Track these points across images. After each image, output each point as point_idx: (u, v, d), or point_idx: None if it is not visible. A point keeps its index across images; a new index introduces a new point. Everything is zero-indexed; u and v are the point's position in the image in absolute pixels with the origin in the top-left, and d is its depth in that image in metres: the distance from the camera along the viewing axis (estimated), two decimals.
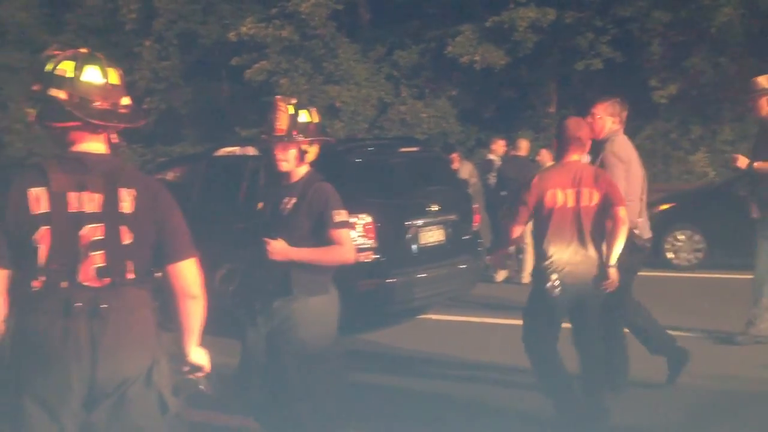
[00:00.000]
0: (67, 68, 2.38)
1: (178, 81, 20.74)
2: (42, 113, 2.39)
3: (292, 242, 3.57)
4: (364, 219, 6.59)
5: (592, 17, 15.98)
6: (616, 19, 15.90)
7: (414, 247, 7.01)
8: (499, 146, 10.59)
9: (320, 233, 3.61)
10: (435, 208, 7.19)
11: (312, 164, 3.83)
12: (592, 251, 4.32)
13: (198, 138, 20.13)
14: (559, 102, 17.29)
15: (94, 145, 2.43)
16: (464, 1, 17.59)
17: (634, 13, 15.66)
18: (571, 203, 4.30)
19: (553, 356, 4.37)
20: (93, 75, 2.40)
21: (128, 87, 2.58)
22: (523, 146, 10.17)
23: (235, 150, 7.72)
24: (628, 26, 15.88)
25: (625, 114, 4.99)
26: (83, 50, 2.47)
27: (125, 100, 2.50)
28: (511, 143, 10.56)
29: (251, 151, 7.36)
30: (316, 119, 3.79)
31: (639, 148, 5.46)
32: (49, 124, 2.40)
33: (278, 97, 3.81)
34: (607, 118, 4.89)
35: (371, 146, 8.24)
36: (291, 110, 3.66)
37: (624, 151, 4.82)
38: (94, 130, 2.42)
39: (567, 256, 4.29)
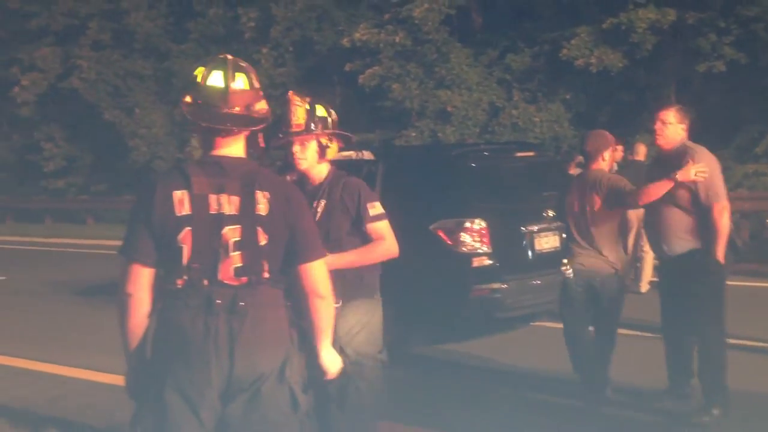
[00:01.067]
0: (198, 73, 2.50)
1: (293, 87, 21.27)
2: (191, 115, 2.51)
3: (330, 248, 3.24)
4: (479, 224, 6.55)
5: (715, 17, 15.32)
6: (740, 20, 15.18)
7: (529, 253, 6.92)
8: (617, 151, 10.31)
9: (358, 231, 3.53)
10: (550, 213, 7.08)
11: (333, 163, 3.72)
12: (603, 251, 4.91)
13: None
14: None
15: (233, 149, 2.52)
16: (579, 3, 17.26)
17: (759, 13, 14.94)
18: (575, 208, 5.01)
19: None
20: (216, 79, 2.49)
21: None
22: (641, 151, 9.86)
23: (352, 154, 7.82)
24: (752, 26, 15.16)
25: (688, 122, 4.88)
26: (230, 57, 2.57)
27: (260, 105, 2.56)
28: (629, 148, 10.27)
29: (368, 155, 7.44)
30: (334, 116, 3.70)
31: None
32: (193, 126, 2.52)
33: (291, 92, 3.72)
34: (678, 125, 4.80)
35: (486, 150, 8.20)
36: (307, 105, 3.58)
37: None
38: (229, 134, 2.50)
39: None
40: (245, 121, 2.52)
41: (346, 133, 3.86)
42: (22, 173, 25.95)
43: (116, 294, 2.49)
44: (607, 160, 5.09)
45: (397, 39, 18.18)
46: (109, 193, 24.17)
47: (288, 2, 20.24)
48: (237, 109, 2.48)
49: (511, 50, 18.30)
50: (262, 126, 2.57)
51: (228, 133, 2.50)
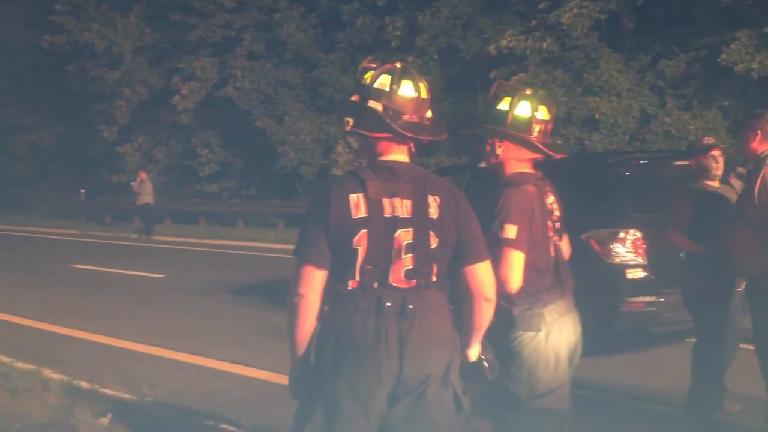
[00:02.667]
0: (385, 82, 2.52)
1: (437, 94, 21.37)
2: (357, 122, 2.55)
3: None
4: (634, 234, 6.33)
5: None
6: None
7: None
8: None
9: None
10: None
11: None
12: None
13: (454, 149, 20.58)
14: None
15: (399, 155, 2.57)
16: (739, 6, 16.36)
17: None
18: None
19: None
20: (408, 90, 2.53)
21: None
22: None
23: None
24: None
25: None
26: (398, 65, 2.59)
27: (429, 113, 2.60)
28: None
29: None
30: None
31: None
32: (362, 133, 2.56)
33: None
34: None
35: (642, 159, 7.91)
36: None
37: None
38: (402, 141, 2.55)
39: None
40: (435, 130, 2.59)
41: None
42: (179, 177, 27.47)
43: (288, 295, 2.54)
44: None
45: (545, 45, 17.92)
46: (258, 197, 25.16)
47: (434, 10, 20.37)
48: (421, 117, 2.54)
49: (664, 55, 17.60)
50: (444, 135, 2.63)
51: (403, 141, 2.54)
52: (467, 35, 20.45)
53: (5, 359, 6.66)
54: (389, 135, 2.52)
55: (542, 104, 3.21)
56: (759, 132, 4.44)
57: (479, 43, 19.97)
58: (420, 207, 2.49)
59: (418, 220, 2.49)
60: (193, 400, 5.50)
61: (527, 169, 3.22)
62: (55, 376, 6.07)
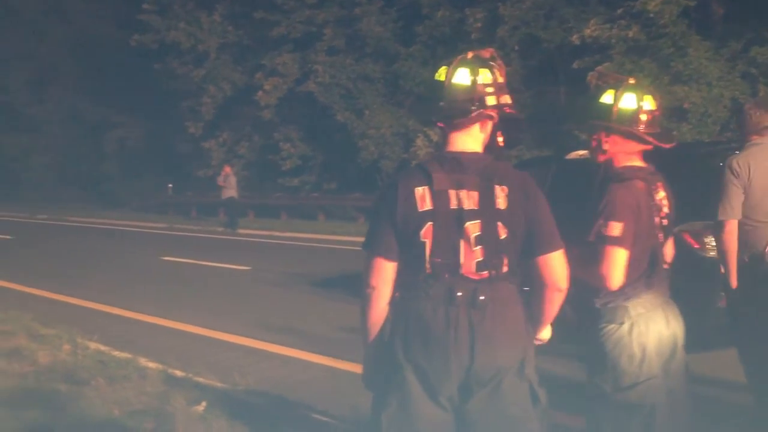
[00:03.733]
0: (442, 71, 2.53)
1: (518, 86, 21.11)
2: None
3: None
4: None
5: None
6: None
7: None
8: None
9: None
10: None
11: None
12: None
13: (535, 142, 20.32)
14: None
15: (470, 144, 2.54)
16: None
17: None
18: None
19: None
20: (462, 77, 2.51)
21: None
22: None
23: (586, 153, 7.62)
24: None
25: None
26: (469, 55, 2.59)
27: (505, 99, 2.56)
28: None
29: None
30: None
31: None
32: (437, 123, 2.57)
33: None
34: None
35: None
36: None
37: None
38: (463, 128, 2.53)
39: None
40: (489, 116, 2.54)
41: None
42: (262, 172, 27.98)
43: (360, 287, 2.57)
44: None
45: (630, 34, 17.49)
46: (338, 191, 25.41)
47: (515, 1, 20.13)
48: (483, 104, 2.50)
49: (756, 42, 16.95)
50: (509, 120, 2.58)
51: (461, 127, 2.52)
52: (549, 25, 20.13)
53: (103, 347, 6.92)
54: (446, 123, 2.53)
55: (648, 94, 3.12)
56: (742, 126, 4.53)
57: (562, 33, 19.64)
58: (487, 198, 2.46)
59: (486, 211, 2.46)
60: (283, 390, 5.59)
61: (637, 161, 3.13)
62: (151, 364, 6.27)
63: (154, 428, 4.75)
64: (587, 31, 18.05)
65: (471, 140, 2.53)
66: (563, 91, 20.66)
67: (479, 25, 21.13)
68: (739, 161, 4.34)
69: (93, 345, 6.99)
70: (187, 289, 11.21)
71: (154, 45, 28.49)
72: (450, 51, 22.12)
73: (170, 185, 30.70)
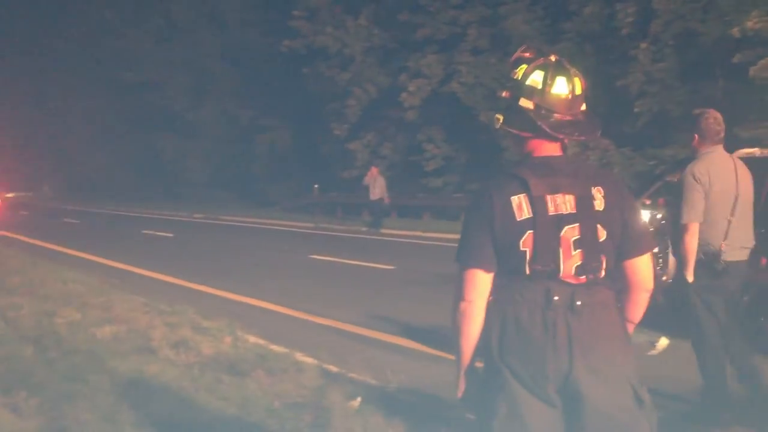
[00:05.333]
0: (537, 79, 2.44)
1: (672, 82, 20.23)
2: (508, 120, 2.49)
3: None
4: None
5: None
6: None
7: None
8: None
9: None
10: None
11: None
12: None
13: (690, 140, 19.39)
14: None
15: (555, 149, 2.49)
16: None
17: None
18: None
19: None
20: (561, 87, 2.43)
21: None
22: None
23: (755, 151, 7.22)
24: None
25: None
26: (552, 58, 2.48)
27: (583, 107, 2.50)
28: None
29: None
30: None
31: None
32: (511, 131, 2.49)
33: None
34: None
35: None
36: None
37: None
38: (554, 139, 2.47)
39: None
40: (588, 127, 2.50)
41: None
42: (405, 172, 28.26)
43: (453, 300, 2.51)
44: None
45: None
46: None
47: None
48: (574, 114, 2.45)
49: None
50: (597, 133, 2.54)
51: (554, 139, 2.46)
52: (707, 18, 19.14)
53: (261, 341, 7.20)
54: (538, 133, 2.45)
55: None
56: (696, 135, 4.85)
57: (720, 27, 18.61)
58: (584, 200, 2.42)
59: (584, 214, 2.41)
60: (435, 390, 5.61)
61: None
62: (307, 359, 6.47)
63: (312, 421, 4.88)
64: (749, 24, 17.02)
65: (555, 146, 2.49)
66: (721, 87, 19.59)
67: (630, 20, 20.41)
68: (701, 169, 4.73)
69: (252, 338, 7.29)
70: (335, 287, 11.47)
71: (303, 50, 29.36)
72: (597, 47, 21.58)
73: (316, 186, 31.57)
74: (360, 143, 28.98)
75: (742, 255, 4.79)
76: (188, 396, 5.49)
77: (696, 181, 4.70)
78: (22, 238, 22.09)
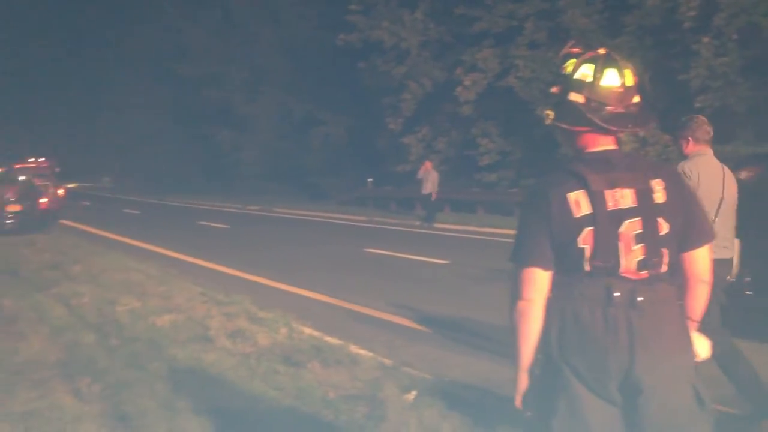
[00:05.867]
0: (587, 72, 2.40)
1: (734, 78, 19.71)
2: (558, 115, 2.45)
3: None
4: None
5: None
6: None
7: None
8: None
9: None
10: None
11: None
12: None
13: (753, 136, 18.88)
14: None
15: (608, 145, 2.45)
16: None
17: None
18: None
19: None
20: (612, 79, 2.40)
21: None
22: None
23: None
24: None
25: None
26: (601, 51, 2.45)
27: (636, 99, 2.44)
28: None
29: None
30: None
31: None
32: (563, 126, 2.45)
33: None
34: None
35: None
36: None
37: None
38: (606, 132, 2.43)
39: None
40: (642, 118, 2.46)
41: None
42: (459, 167, 28.13)
43: (511, 300, 2.48)
44: None
45: None
46: None
47: None
48: (626, 106, 2.41)
49: None
50: (652, 124, 2.53)
51: (606, 133, 2.43)
52: None
53: (316, 333, 7.25)
54: (591, 128, 2.41)
55: None
56: (690, 138, 4.95)
57: None
58: (644, 194, 2.38)
59: (645, 207, 2.37)
60: (491, 386, 5.57)
61: None
62: (362, 351, 6.48)
63: (368, 413, 4.89)
64: None
65: (609, 139, 2.46)
66: None
67: (693, 13, 19.93)
68: (691, 167, 4.88)
69: (307, 330, 7.34)
70: (389, 281, 11.48)
71: (359, 44, 29.42)
72: (659, 42, 21.14)
73: (370, 179, 31.66)
74: (414, 137, 28.93)
75: (724, 254, 4.90)
76: (245, 385, 5.56)
77: (686, 177, 4.82)
78: (83, 227, 22.66)
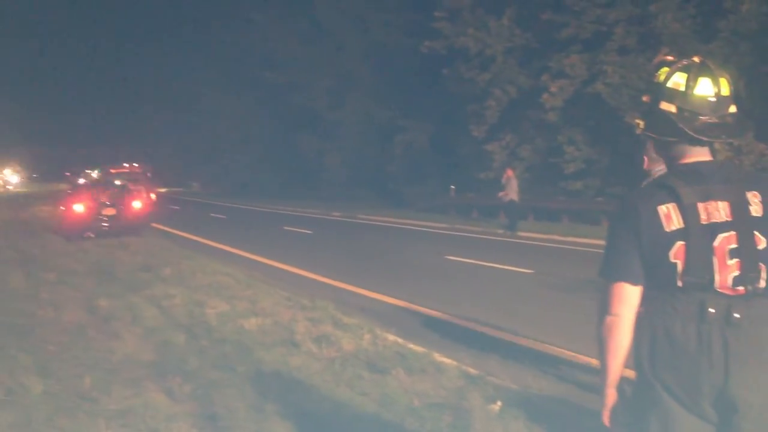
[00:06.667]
0: (680, 81, 2.34)
1: None
2: (649, 125, 2.40)
3: None
4: None
5: None
6: None
7: None
8: None
9: None
10: None
11: None
12: None
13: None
14: None
15: (702, 156, 2.38)
16: None
17: None
18: None
19: None
20: (706, 88, 2.33)
21: None
22: None
23: None
24: None
25: None
26: (696, 59, 2.38)
27: (732, 109, 2.36)
28: None
29: None
30: None
31: None
32: (653, 136, 2.40)
33: None
34: None
35: None
36: None
37: None
38: (698, 143, 2.36)
39: None
40: (737, 129, 2.37)
41: None
42: (543, 174, 27.74)
43: (599, 315, 2.43)
44: None
45: None
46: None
47: None
48: (721, 116, 2.34)
49: None
50: (748, 134, 2.40)
51: (700, 144, 2.36)
52: None
53: (400, 340, 7.26)
54: (683, 138, 2.34)
55: None
56: (645, 157, 5.14)
57: None
58: (740, 206, 2.29)
59: (740, 221, 2.28)
60: (580, 398, 5.47)
61: None
62: (446, 360, 6.46)
63: (452, 423, 4.87)
64: None
65: (703, 150, 2.38)
66: None
67: None
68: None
69: (391, 336, 7.36)
70: (471, 289, 11.41)
71: (444, 51, 29.40)
72: (756, 47, 20.37)
73: (453, 187, 31.57)
74: (498, 144, 28.69)
75: None
76: (330, 390, 5.62)
77: None
78: (173, 230, 23.37)
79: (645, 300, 2.40)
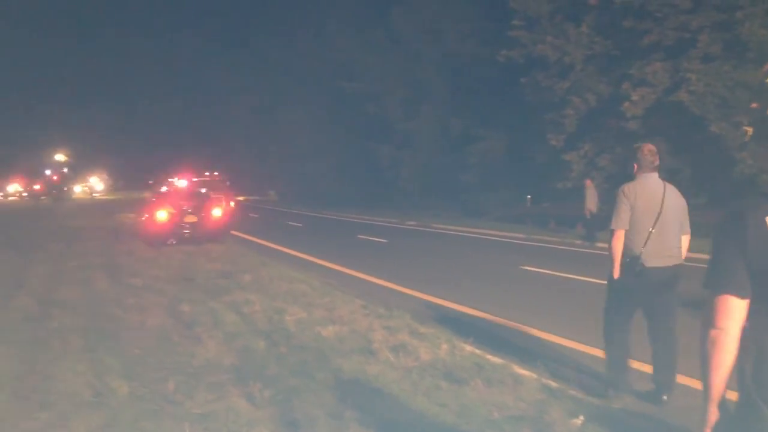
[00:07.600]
0: None
1: None
2: (757, 132, 2.33)
3: None
4: None
5: None
6: None
7: None
8: None
9: None
10: None
11: None
12: None
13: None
14: None
15: None
16: None
17: None
18: None
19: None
20: None
21: None
22: None
23: None
24: None
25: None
26: None
27: None
28: None
29: None
30: None
31: None
32: (765, 144, 2.33)
33: None
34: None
35: None
36: None
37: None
38: None
39: None
40: None
41: None
42: (623, 184, 27.15)
43: (703, 329, 2.34)
44: None
45: None
46: (707, 206, 23.68)
47: None
48: None
49: None
50: None
51: None
52: None
53: (477, 351, 7.19)
54: None
55: None
56: (635, 164, 5.76)
57: None
58: None
59: None
60: (662, 414, 5.32)
61: None
62: (525, 372, 6.36)
63: None
64: None
65: None
66: None
67: None
68: (630, 188, 5.74)
69: (468, 347, 7.30)
70: (548, 300, 11.23)
71: (521, 59, 29.14)
72: None
73: (529, 196, 31.22)
74: (576, 154, 28.23)
75: (662, 262, 5.62)
76: (408, 399, 5.60)
77: (624, 196, 5.75)
78: (251, 238, 23.78)
79: (751, 314, 2.32)
